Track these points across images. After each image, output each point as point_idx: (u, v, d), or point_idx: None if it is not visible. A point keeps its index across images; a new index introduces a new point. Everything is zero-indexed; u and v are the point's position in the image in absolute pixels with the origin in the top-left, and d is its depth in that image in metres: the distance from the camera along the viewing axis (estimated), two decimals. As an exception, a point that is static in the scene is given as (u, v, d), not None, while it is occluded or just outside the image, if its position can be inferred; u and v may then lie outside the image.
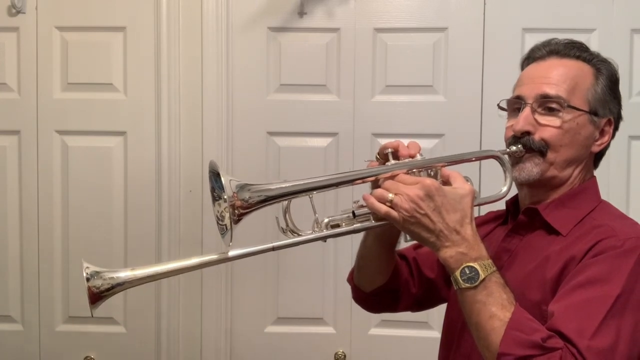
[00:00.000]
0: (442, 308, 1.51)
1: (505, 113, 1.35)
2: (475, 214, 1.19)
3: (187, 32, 2.33)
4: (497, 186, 1.29)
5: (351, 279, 1.49)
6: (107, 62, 2.34)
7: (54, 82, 2.35)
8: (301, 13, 2.31)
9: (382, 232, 1.31)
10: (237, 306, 2.38)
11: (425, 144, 2.25)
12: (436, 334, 2.25)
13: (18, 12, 2.32)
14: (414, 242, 1.25)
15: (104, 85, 2.34)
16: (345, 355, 2.35)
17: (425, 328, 2.31)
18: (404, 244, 1.30)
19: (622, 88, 1.34)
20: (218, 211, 1.15)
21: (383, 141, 2.29)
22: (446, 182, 1.18)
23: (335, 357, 2.35)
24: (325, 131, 2.34)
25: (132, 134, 2.35)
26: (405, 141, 1.24)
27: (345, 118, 2.33)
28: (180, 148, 2.34)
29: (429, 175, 1.20)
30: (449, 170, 1.20)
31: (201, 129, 2.33)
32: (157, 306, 2.35)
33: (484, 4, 2.27)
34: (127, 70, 2.34)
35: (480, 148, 2.25)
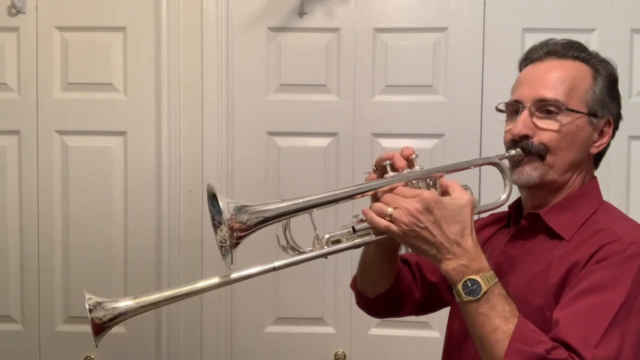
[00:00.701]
0: (443, 309, 1.51)
1: (503, 116, 1.35)
2: (475, 217, 1.18)
3: (187, 32, 2.32)
4: (497, 191, 1.29)
5: (354, 285, 1.49)
6: (107, 62, 2.34)
7: (54, 82, 2.35)
8: (301, 13, 2.31)
9: (383, 242, 1.30)
10: (237, 306, 2.38)
11: (425, 144, 2.27)
12: (436, 334, 2.26)
13: (18, 12, 2.32)
14: (415, 249, 1.25)
15: (104, 85, 2.34)
16: (345, 355, 2.35)
17: (425, 328, 2.31)
18: (405, 252, 1.30)
19: (622, 88, 1.33)
20: (220, 236, 1.14)
21: (383, 141, 2.32)
22: (445, 192, 1.18)
23: (335, 357, 2.36)
24: (325, 131, 2.34)
25: (132, 134, 2.35)
26: (402, 145, 1.24)
27: (345, 118, 2.32)
28: (180, 148, 2.34)
29: (427, 185, 1.20)
30: (447, 180, 1.20)
31: (201, 129, 2.33)
32: (157, 306, 2.35)
33: (484, 4, 2.27)
34: (127, 70, 2.34)
35: (480, 148, 2.26)
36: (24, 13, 2.32)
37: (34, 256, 2.37)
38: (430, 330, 2.30)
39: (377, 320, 2.32)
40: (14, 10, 2.31)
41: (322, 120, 2.33)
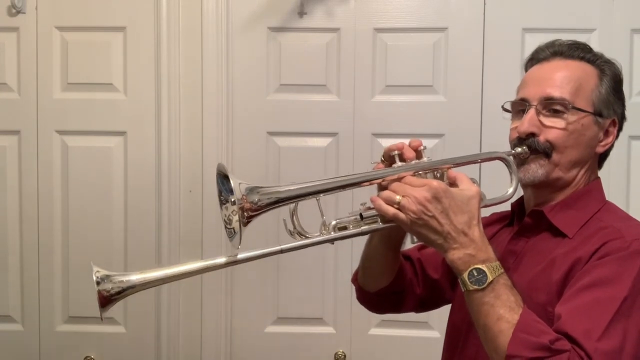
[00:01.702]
0: (443, 308, 1.51)
1: (508, 115, 1.35)
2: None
3: (187, 32, 2.33)
4: (497, 187, 1.29)
5: (355, 280, 1.49)
6: (107, 62, 2.34)
7: (54, 82, 2.35)
8: (301, 13, 2.31)
9: (387, 233, 1.30)
10: (237, 306, 2.38)
11: (425, 144, 2.25)
12: (436, 334, 2.26)
13: (18, 12, 2.32)
14: (420, 243, 1.25)
15: (104, 85, 2.34)
16: (345, 355, 2.35)
17: (426, 328, 2.31)
18: (410, 245, 1.30)
19: (623, 88, 1.34)
20: (225, 214, 1.14)
21: (383, 141, 2.32)
22: (452, 183, 1.18)
23: (335, 357, 2.36)
24: (325, 131, 2.34)
25: (132, 134, 2.35)
26: (407, 141, 1.25)
27: (345, 118, 2.33)
28: (180, 148, 2.34)
29: (435, 177, 1.20)
30: (455, 172, 1.20)
31: (201, 129, 2.33)
32: (157, 306, 2.35)
33: (484, 4, 2.27)
34: (127, 70, 2.34)
35: (480, 148, 2.26)
36: (24, 13, 2.33)
37: (34, 256, 2.37)
38: (431, 330, 2.30)
39: (377, 320, 2.32)
40: (14, 10, 2.31)
41: (322, 120, 2.33)
